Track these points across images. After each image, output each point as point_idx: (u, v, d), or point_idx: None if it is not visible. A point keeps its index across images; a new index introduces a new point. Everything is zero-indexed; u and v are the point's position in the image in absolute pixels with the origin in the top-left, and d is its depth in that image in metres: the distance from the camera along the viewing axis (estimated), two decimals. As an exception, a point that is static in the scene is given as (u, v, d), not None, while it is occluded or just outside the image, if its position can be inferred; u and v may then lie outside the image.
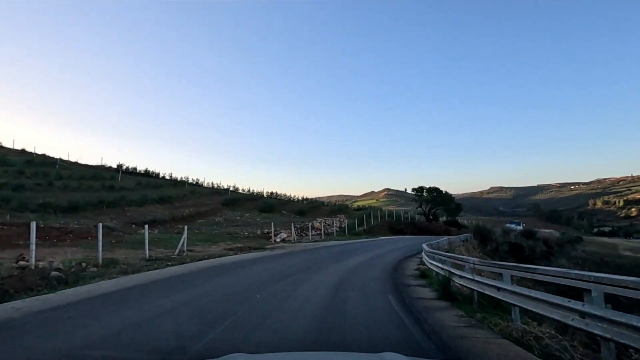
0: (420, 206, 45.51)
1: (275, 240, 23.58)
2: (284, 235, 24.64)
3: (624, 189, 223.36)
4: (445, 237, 24.02)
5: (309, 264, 11.55)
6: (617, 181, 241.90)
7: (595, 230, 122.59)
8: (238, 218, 34.05)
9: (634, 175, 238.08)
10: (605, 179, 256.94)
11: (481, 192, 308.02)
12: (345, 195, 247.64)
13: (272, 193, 46.57)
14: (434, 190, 44.01)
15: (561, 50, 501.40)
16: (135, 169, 43.60)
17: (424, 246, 12.39)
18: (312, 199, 44.26)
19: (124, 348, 3.64)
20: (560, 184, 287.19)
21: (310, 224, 31.19)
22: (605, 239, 65.14)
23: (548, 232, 51.72)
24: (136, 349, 3.63)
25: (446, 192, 43.94)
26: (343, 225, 34.24)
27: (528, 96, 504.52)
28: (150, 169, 44.16)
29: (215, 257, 13.08)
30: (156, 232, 21.19)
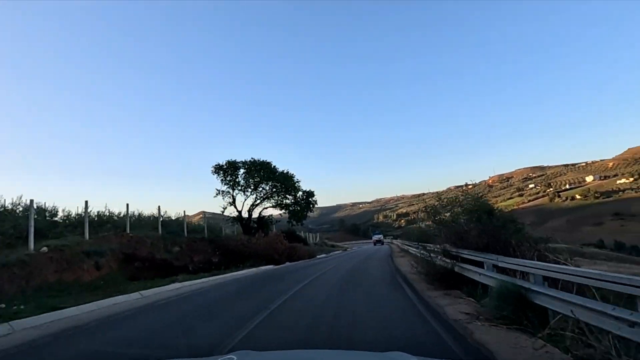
0: (233, 203, 21.71)
1: None
2: None
3: (394, 205, 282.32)
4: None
5: None
6: (390, 200, 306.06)
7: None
8: None
9: (398, 195, 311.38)
10: (381, 198, 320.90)
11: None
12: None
13: None
14: (260, 167, 21.41)
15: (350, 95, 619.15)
16: None
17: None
18: None
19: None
20: (352, 203, 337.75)
21: None
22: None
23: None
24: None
25: (285, 172, 22.26)
26: None
27: (329, 129, 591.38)
28: None
29: None
30: None
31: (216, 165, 21.51)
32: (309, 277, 11.27)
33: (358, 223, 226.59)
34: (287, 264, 18.72)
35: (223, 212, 22.19)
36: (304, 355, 2.21)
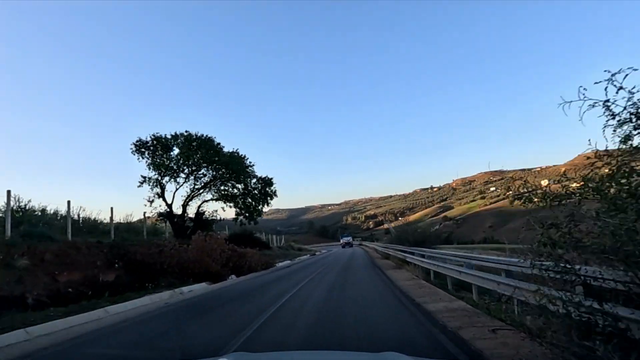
0: (162, 195, 15.92)
1: None
2: None
3: (362, 207, 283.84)
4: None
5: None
6: (358, 202, 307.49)
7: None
8: None
9: (366, 197, 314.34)
10: (350, 200, 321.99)
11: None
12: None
13: None
14: (199, 144, 15.78)
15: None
16: None
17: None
18: None
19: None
20: (321, 205, 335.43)
21: None
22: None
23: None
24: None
25: (235, 152, 16.67)
26: None
27: (293, 136, 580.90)
28: None
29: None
30: None
31: (138, 141, 15.57)
32: (234, 341, 4.58)
33: (327, 225, 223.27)
34: (232, 278, 13.35)
35: (151, 205, 16.31)
36: (298, 356, 2.31)
